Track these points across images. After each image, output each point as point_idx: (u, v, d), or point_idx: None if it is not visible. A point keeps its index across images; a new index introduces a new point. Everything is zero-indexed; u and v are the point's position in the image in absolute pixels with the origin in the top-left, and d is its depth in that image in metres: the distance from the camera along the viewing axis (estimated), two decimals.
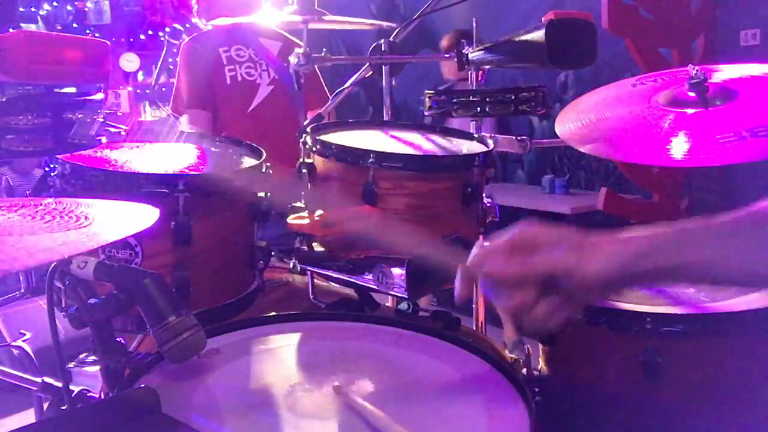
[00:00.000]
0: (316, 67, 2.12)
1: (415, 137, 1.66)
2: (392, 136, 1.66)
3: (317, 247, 1.46)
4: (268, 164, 1.52)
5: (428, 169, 1.45)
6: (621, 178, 4.69)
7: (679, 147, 1.34)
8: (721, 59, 3.44)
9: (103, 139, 1.42)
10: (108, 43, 1.50)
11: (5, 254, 0.79)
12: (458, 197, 1.44)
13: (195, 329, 1.03)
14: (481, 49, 1.82)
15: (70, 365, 1.17)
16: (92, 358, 1.13)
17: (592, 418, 1.31)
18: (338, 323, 1.37)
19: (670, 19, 3.94)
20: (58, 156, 1.36)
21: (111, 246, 1.31)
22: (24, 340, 1.73)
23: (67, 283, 1.12)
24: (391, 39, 2.04)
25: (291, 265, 1.50)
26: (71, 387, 1.15)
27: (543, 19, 1.59)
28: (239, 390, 1.11)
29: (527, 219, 0.95)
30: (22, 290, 1.50)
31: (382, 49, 2.04)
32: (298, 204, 1.49)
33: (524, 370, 1.35)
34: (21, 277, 1.51)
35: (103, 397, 1.21)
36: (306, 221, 1.41)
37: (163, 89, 5.16)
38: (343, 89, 2.14)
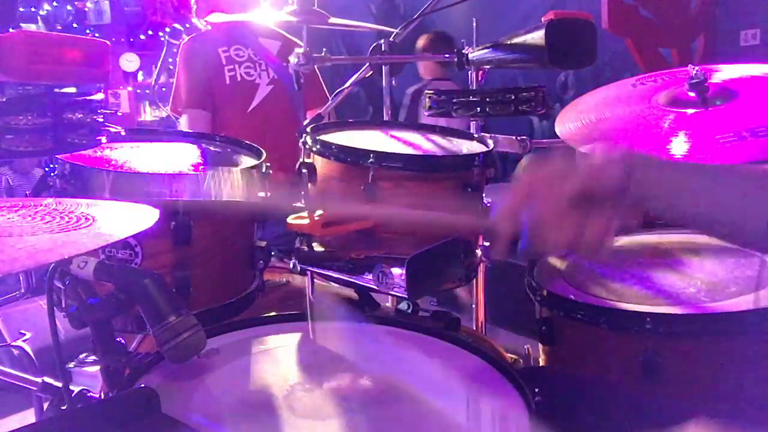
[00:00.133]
0: (315, 67, 2.12)
1: (415, 137, 1.66)
2: (392, 136, 1.66)
3: (317, 247, 1.46)
4: (268, 164, 1.52)
5: (428, 169, 1.45)
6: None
7: (679, 147, 1.34)
8: (721, 59, 3.43)
9: (103, 139, 1.42)
10: (108, 43, 1.49)
11: (5, 254, 0.79)
12: (458, 197, 1.44)
13: (195, 329, 1.03)
14: (481, 49, 1.82)
15: (70, 365, 1.17)
16: (92, 358, 1.13)
17: (592, 417, 1.31)
18: (338, 323, 1.37)
19: (670, 19, 3.94)
20: (58, 156, 1.36)
21: (111, 246, 1.31)
22: (24, 340, 1.73)
23: (67, 283, 1.12)
24: (391, 39, 2.04)
25: (291, 265, 1.50)
26: (71, 387, 1.15)
27: (543, 19, 1.59)
28: (239, 390, 1.11)
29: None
30: (22, 290, 1.50)
31: (382, 49, 2.04)
32: (298, 204, 1.49)
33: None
34: (21, 277, 1.51)
35: (103, 397, 1.21)
36: (306, 221, 1.41)
37: (163, 89, 5.16)
38: (343, 89, 2.14)
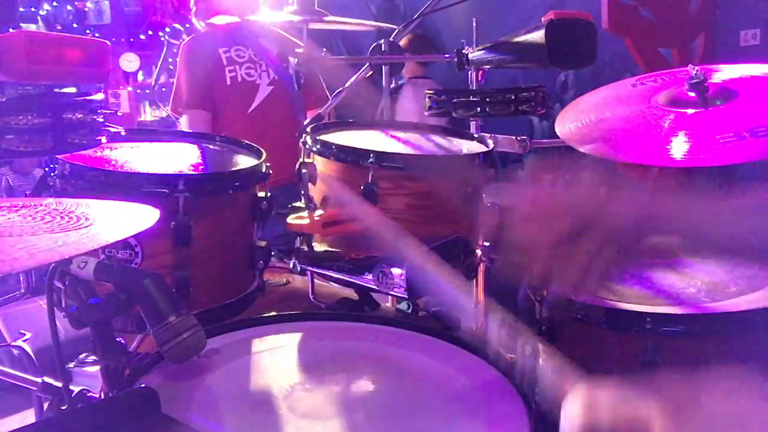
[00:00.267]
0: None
1: (415, 137, 1.66)
2: (392, 136, 1.66)
3: (317, 247, 1.46)
4: (268, 164, 1.52)
5: (428, 169, 1.45)
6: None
7: (679, 147, 1.34)
8: (721, 59, 3.44)
9: (103, 139, 1.41)
10: (108, 43, 1.49)
11: (5, 254, 0.79)
12: (458, 197, 1.44)
13: (195, 329, 1.03)
14: (481, 49, 1.82)
15: (70, 365, 1.17)
16: (92, 358, 1.13)
17: None
18: (338, 323, 1.37)
19: (670, 19, 3.94)
20: (58, 156, 1.36)
21: (111, 246, 1.31)
22: (24, 340, 1.73)
23: (67, 283, 1.12)
24: (391, 39, 2.04)
25: (291, 265, 1.50)
26: (71, 387, 1.15)
27: (543, 19, 1.59)
28: (239, 390, 1.11)
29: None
30: (22, 290, 1.50)
31: (382, 49, 2.04)
32: (298, 204, 1.49)
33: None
34: (21, 277, 1.51)
35: (103, 397, 1.21)
36: (306, 221, 1.41)
37: (163, 89, 5.15)
38: (343, 89, 2.14)
